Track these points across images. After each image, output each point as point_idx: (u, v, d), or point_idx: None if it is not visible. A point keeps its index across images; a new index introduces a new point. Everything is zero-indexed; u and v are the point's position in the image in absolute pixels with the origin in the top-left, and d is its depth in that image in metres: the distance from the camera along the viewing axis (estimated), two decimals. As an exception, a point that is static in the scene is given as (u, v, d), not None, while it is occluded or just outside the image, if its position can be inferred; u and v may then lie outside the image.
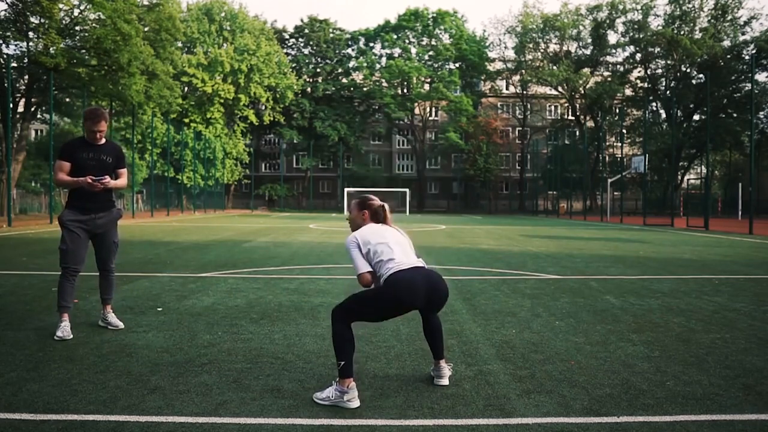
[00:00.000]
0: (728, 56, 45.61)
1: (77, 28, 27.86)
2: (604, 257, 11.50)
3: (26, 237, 15.52)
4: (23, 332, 4.75)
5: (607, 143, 52.77)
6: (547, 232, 21.28)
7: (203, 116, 49.23)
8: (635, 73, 53.87)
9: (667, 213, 35.40)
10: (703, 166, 47.22)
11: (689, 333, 4.95)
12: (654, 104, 51.50)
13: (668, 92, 49.11)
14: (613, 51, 53.96)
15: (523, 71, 55.75)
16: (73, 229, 4.75)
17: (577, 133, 55.93)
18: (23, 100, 28.33)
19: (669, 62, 49.45)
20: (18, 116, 27.88)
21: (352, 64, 59.97)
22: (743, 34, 47.32)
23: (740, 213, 34.64)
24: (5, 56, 26.02)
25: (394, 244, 3.46)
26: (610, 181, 40.43)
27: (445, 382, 3.54)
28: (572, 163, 46.34)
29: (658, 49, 48.74)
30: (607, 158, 51.75)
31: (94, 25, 27.17)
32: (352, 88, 58.92)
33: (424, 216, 42.80)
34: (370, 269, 3.40)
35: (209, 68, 48.80)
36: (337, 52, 59.54)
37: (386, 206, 3.70)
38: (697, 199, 33.48)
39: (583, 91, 53.75)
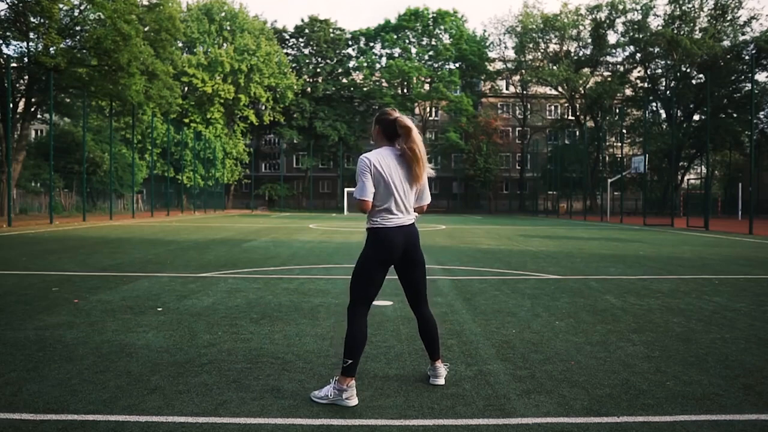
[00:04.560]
0: (728, 56, 45.56)
1: (77, 28, 27.84)
2: (604, 257, 11.50)
3: (26, 237, 15.52)
4: (23, 332, 4.75)
5: (607, 143, 52.74)
6: (547, 232, 21.27)
7: (203, 116, 49.21)
8: (635, 73, 53.84)
9: (667, 213, 35.40)
10: (703, 166, 47.21)
11: (689, 333, 4.95)
12: (654, 104, 51.45)
13: (668, 92, 49.08)
14: (613, 51, 53.93)
15: (523, 71, 55.72)
16: None
17: (577, 133, 55.89)
18: (23, 100, 28.31)
19: (669, 62, 49.42)
20: (18, 116, 27.86)
21: (352, 64, 59.95)
22: (743, 34, 47.26)
23: (740, 213, 34.62)
24: (5, 56, 26.00)
25: (399, 192, 3.33)
26: (610, 181, 40.41)
27: (441, 381, 3.54)
28: (572, 163, 46.30)
29: (658, 49, 48.71)
30: (607, 158, 51.72)
31: (94, 25, 27.15)
32: (352, 88, 58.90)
33: (424, 216, 42.77)
34: (371, 198, 3.30)
35: (209, 68, 48.79)
36: (337, 52, 59.52)
37: (404, 121, 3.31)
38: (697, 199, 33.48)
39: (583, 91, 53.73)
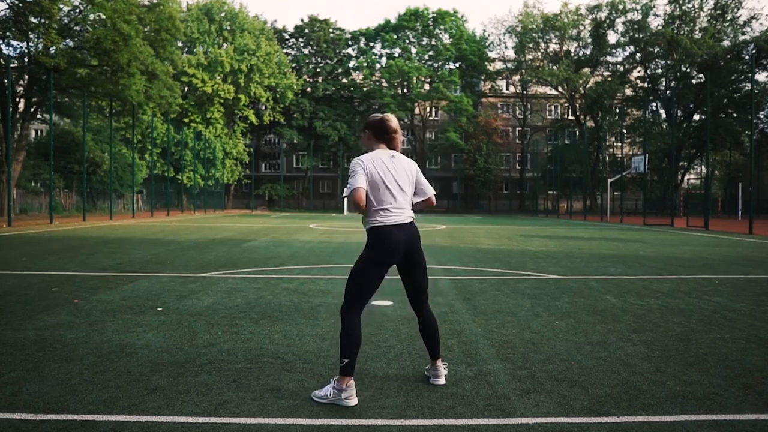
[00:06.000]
0: (728, 56, 45.56)
1: (77, 28, 27.83)
2: (604, 257, 11.49)
3: (26, 237, 15.52)
4: (23, 332, 4.74)
5: (607, 143, 52.71)
6: (547, 232, 21.27)
7: (203, 116, 49.20)
8: (635, 73, 53.84)
9: (667, 213, 35.39)
10: (703, 166, 47.19)
11: (689, 333, 4.95)
12: (654, 104, 51.44)
13: (668, 92, 49.08)
14: (613, 51, 53.93)
15: (523, 71, 55.71)
16: None
17: (577, 133, 55.89)
18: (23, 100, 28.31)
19: (669, 62, 49.41)
20: (18, 116, 27.85)
21: (352, 64, 59.94)
22: (743, 34, 47.26)
23: (740, 213, 34.62)
24: (5, 56, 25.97)
25: (394, 189, 3.38)
26: (610, 181, 40.40)
27: (442, 381, 3.55)
28: (572, 163, 46.29)
29: (658, 49, 48.71)
30: (607, 158, 51.71)
31: (94, 25, 27.15)
32: (352, 88, 58.89)
33: (424, 216, 42.76)
34: (365, 187, 3.32)
35: (209, 68, 48.78)
36: (337, 52, 59.51)
37: (389, 121, 3.47)
38: (697, 199, 33.45)
39: (583, 91, 53.72)
